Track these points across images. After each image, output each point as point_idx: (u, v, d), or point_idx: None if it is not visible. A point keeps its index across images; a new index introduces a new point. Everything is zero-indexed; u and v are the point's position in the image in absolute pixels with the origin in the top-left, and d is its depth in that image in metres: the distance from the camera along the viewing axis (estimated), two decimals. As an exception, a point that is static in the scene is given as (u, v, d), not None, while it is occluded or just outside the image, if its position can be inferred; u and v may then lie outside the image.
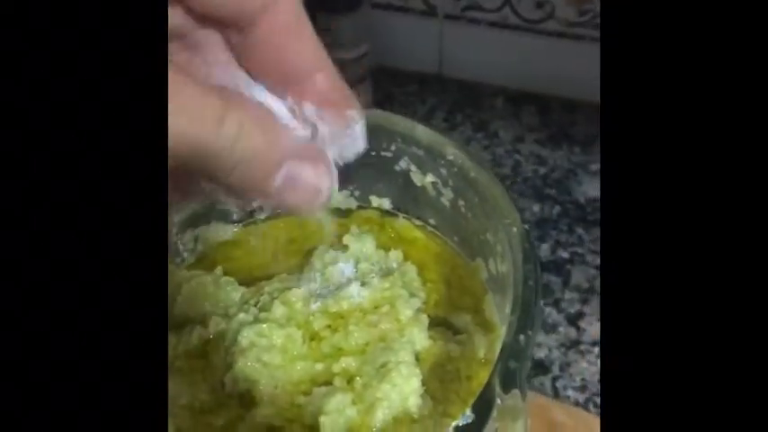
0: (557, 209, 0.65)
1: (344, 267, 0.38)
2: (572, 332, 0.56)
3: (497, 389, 0.28)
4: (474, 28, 0.73)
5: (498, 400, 0.28)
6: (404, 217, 0.42)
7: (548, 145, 0.71)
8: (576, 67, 0.70)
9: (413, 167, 0.39)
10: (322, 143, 0.25)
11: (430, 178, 0.38)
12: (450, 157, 0.36)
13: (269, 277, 0.38)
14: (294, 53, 0.24)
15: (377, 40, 0.73)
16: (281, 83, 0.25)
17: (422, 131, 0.37)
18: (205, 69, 0.25)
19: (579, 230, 0.63)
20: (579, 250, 0.62)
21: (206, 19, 0.24)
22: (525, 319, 0.30)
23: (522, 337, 0.29)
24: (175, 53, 0.25)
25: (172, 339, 0.36)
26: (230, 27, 0.24)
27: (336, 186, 0.25)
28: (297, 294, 0.36)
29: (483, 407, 0.28)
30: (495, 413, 0.28)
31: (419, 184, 0.39)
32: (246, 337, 0.35)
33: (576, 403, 0.51)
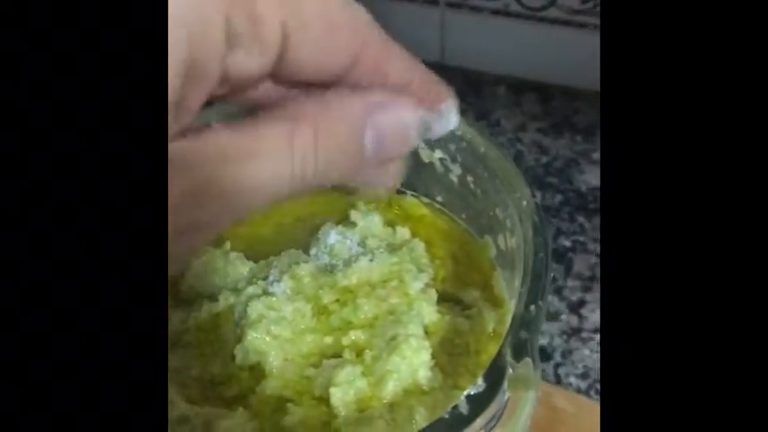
0: (558, 197, 0.65)
1: (351, 244, 0.38)
2: (574, 320, 0.56)
3: (509, 358, 0.28)
4: (476, 16, 0.73)
5: (510, 370, 0.28)
6: (411, 194, 0.42)
7: (550, 134, 0.71)
8: (578, 56, 0.70)
9: (421, 144, 0.38)
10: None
11: (438, 154, 0.38)
12: (459, 133, 0.36)
13: (276, 253, 0.38)
14: (386, 78, 0.23)
15: (379, 28, 0.73)
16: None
17: (430, 108, 0.37)
18: None
19: (581, 219, 0.64)
20: (581, 238, 0.62)
21: (295, 85, 0.23)
22: (536, 290, 0.30)
23: (532, 307, 0.30)
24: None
25: (181, 314, 0.36)
26: (320, 87, 0.23)
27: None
28: (305, 269, 0.36)
29: (494, 376, 0.28)
30: (506, 383, 0.28)
31: (427, 161, 0.39)
32: (255, 309, 0.35)
33: (578, 390, 0.52)
